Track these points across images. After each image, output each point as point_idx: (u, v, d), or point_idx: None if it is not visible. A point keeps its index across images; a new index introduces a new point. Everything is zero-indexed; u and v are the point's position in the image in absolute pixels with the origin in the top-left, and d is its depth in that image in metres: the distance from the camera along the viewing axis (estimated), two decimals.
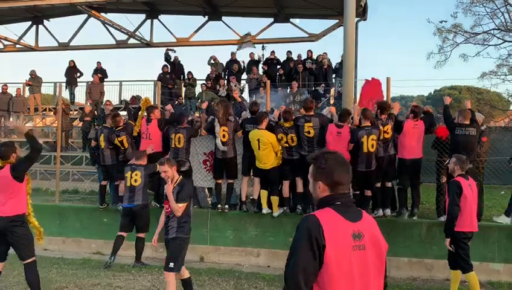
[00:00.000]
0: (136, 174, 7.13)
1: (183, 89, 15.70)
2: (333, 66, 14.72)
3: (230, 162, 7.71)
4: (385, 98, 7.89)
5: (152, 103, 9.36)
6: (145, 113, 8.31)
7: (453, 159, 5.79)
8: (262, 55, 15.60)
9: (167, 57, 15.73)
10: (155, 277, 6.75)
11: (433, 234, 7.15)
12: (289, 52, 15.09)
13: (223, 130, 7.54)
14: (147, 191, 7.40)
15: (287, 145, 7.48)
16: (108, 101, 13.34)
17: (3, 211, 4.97)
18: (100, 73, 16.18)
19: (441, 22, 20.61)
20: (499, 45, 19.56)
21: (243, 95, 14.07)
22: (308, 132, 7.40)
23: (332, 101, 13.81)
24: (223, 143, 7.55)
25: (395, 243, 7.25)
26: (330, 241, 1.98)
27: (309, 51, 14.87)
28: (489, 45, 19.75)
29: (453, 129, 7.09)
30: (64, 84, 16.19)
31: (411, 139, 7.40)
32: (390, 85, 7.76)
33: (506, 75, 20.80)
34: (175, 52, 15.62)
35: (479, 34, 19.22)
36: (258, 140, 7.32)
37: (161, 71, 15.60)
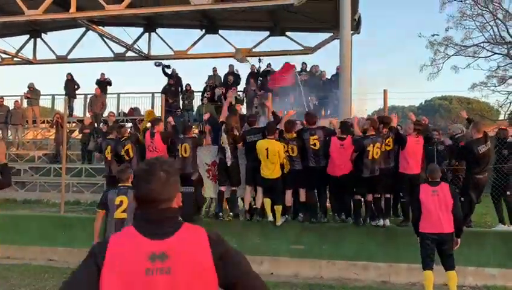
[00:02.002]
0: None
1: (181, 101, 15.90)
2: (328, 78, 15.07)
3: (232, 169, 7.97)
4: (383, 110, 8.18)
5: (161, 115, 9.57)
6: (148, 125, 8.54)
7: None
8: (259, 67, 15.88)
9: (163, 68, 15.95)
10: None
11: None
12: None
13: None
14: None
15: (288, 154, 7.73)
16: (111, 112, 13.53)
17: None
18: (104, 84, 16.38)
19: (432, 35, 21.19)
20: (488, 57, 20.20)
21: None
22: (314, 145, 7.67)
23: (328, 112, 14.14)
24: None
25: (395, 250, 7.50)
26: (111, 262, 1.66)
27: (303, 63, 15.19)
28: (480, 57, 20.36)
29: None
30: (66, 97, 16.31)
31: (414, 155, 7.58)
32: (388, 97, 8.06)
33: (495, 86, 21.38)
34: (169, 67, 15.82)
35: (469, 46, 19.83)
36: (267, 149, 7.56)
37: (165, 83, 15.81)
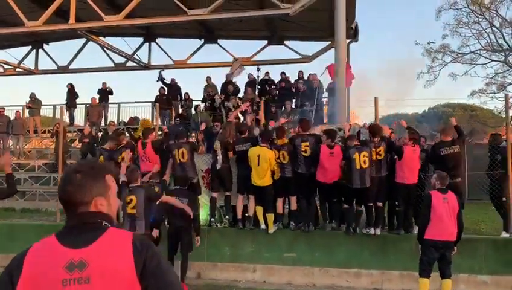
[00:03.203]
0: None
1: (180, 110, 16.03)
2: (325, 86, 15.14)
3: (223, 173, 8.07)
4: (374, 118, 8.22)
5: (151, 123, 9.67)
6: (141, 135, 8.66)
7: (434, 175, 6.40)
8: (258, 76, 15.99)
9: (162, 79, 16.10)
10: None
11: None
12: (283, 73, 15.50)
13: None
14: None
15: (279, 161, 7.77)
16: (112, 122, 13.64)
17: None
18: (106, 93, 16.58)
19: (429, 43, 21.25)
20: (486, 64, 20.22)
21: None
22: (305, 151, 7.71)
23: (325, 120, 14.17)
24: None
25: (387, 257, 7.51)
26: (27, 277, 1.57)
27: (300, 72, 15.29)
28: (477, 64, 20.39)
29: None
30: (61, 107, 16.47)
31: (411, 165, 7.58)
32: (378, 105, 8.10)
33: (494, 93, 21.37)
34: (163, 70, 16.00)
35: (466, 54, 19.84)
36: (259, 156, 7.63)
37: (158, 93, 15.97)
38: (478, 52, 19.79)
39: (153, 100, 16.71)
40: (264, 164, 7.61)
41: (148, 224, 6.43)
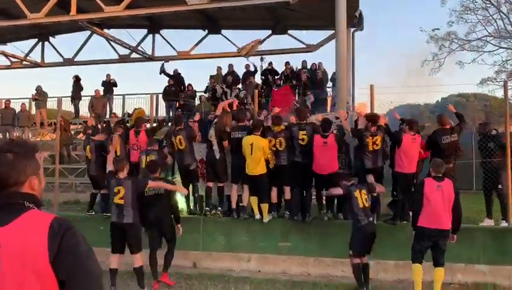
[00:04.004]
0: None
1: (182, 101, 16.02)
2: (329, 76, 15.00)
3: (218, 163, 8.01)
4: (369, 106, 8.07)
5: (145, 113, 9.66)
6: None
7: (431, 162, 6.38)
8: (261, 66, 15.87)
9: (164, 71, 16.11)
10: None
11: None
12: (287, 62, 15.38)
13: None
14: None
15: (274, 149, 7.69)
16: (113, 113, 13.69)
17: None
18: (110, 85, 16.65)
19: (433, 29, 20.79)
20: (493, 51, 19.70)
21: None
22: (302, 140, 7.63)
23: (329, 110, 14.05)
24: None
25: (382, 246, 7.39)
26: None
27: (304, 61, 15.16)
28: (484, 52, 19.88)
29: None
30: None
31: (409, 154, 7.45)
32: (375, 92, 7.94)
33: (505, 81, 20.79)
34: (167, 61, 16.02)
35: (473, 41, 19.35)
36: (252, 144, 7.56)
37: (167, 84, 16.00)
38: (485, 38, 19.31)
39: (157, 92, 16.76)
40: (257, 152, 7.54)
41: (137, 214, 6.39)
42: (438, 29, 20.81)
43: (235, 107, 9.68)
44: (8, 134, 15.63)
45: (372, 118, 7.58)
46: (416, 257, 6.12)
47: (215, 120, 8.16)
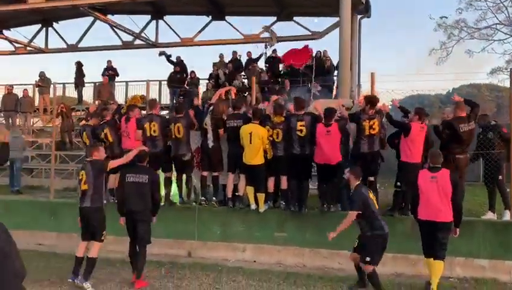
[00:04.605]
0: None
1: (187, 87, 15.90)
2: (336, 63, 14.71)
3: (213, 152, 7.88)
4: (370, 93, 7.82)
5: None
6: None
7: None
8: (265, 53, 15.64)
9: (168, 58, 15.97)
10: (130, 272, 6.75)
11: (418, 229, 7.06)
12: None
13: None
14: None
15: (271, 139, 7.50)
16: (112, 101, 13.61)
17: None
18: (112, 71, 16.58)
19: (441, 17, 20.26)
20: (504, 39, 19.11)
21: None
22: (301, 131, 7.40)
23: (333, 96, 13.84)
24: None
25: None
26: None
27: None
28: (495, 40, 19.31)
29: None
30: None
31: (417, 143, 7.20)
32: (375, 80, 7.70)
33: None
34: (170, 56, 15.91)
35: (482, 29, 18.78)
36: (251, 133, 7.39)
37: (172, 71, 15.87)
38: (495, 26, 18.76)
39: (160, 78, 16.71)
40: (256, 141, 7.37)
41: (98, 198, 6.16)
42: (446, 17, 20.32)
43: (234, 96, 9.52)
44: (10, 120, 15.64)
45: (370, 100, 7.31)
46: (424, 249, 6.05)
47: (211, 108, 7.97)
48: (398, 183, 7.43)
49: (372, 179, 7.37)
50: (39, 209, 8.94)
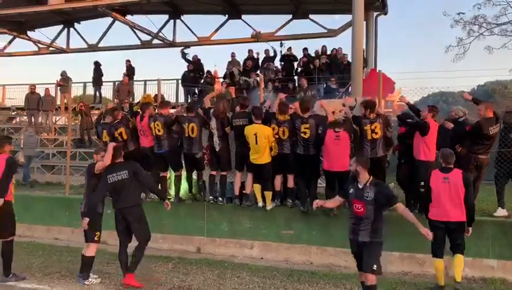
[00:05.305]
0: None
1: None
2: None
3: (221, 153, 7.98)
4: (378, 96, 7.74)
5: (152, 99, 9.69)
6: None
7: (439, 153, 6.15)
8: (280, 51, 15.65)
9: (184, 56, 16.16)
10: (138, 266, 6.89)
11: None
12: (305, 49, 15.10)
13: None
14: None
15: (277, 137, 7.54)
16: (127, 99, 13.87)
17: None
18: (128, 71, 16.92)
19: (458, 13, 19.78)
20: None
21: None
22: (304, 133, 7.42)
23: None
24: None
25: (387, 238, 7.14)
26: None
27: (323, 46, 14.84)
28: None
29: None
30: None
31: (434, 141, 7.13)
32: (381, 80, 7.64)
33: None
34: (189, 47, 16.08)
35: (502, 24, 18.27)
36: (256, 134, 7.45)
37: (186, 69, 16.06)
38: None
39: (178, 77, 16.88)
40: (262, 141, 7.43)
41: (88, 202, 6.10)
42: (463, 13, 19.84)
43: (234, 95, 9.52)
44: (33, 118, 16.13)
45: (367, 104, 7.21)
46: (433, 250, 6.01)
47: (212, 110, 8.04)
48: (422, 183, 7.22)
49: None
50: (56, 205, 9.23)
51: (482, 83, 49.37)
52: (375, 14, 15.51)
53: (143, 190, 6.77)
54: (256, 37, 15.66)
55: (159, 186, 8.41)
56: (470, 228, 5.95)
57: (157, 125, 8.05)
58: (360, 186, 5.00)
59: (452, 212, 5.81)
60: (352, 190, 5.09)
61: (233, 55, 15.80)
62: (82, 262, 6.18)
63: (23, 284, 6.09)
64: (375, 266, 4.90)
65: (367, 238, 4.95)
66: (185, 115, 8.40)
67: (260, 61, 15.24)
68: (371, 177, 5.04)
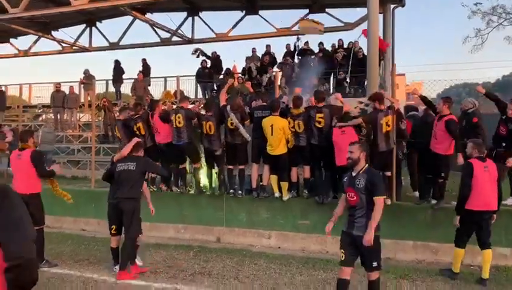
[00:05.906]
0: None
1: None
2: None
3: (238, 148, 8.23)
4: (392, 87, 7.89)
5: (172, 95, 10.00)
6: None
7: (470, 143, 6.15)
8: (297, 45, 15.81)
9: (200, 55, 16.47)
10: (162, 254, 7.31)
11: (438, 217, 7.18)
12: (321, 43, 15.23)
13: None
14: None
15: (293, 130, 7.78)
16: (148, 96, 14.28)
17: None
18: (144, 69, 17.39)
19: (475, 4, 19.52)
20: None
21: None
22: (319, 122, 7.65)
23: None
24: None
25: (401, 227, 7.36)
26: None
27: (339, 40, 14.93)
28: None
29: None
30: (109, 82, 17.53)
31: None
32: (395, 71, 7.77)
33: None
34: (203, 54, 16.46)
35: None
36: (272, 126, 7.71)
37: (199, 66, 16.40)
38: None
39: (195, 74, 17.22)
40: (278, 132, 7.67)
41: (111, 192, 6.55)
42: (481, 3, 19.58)
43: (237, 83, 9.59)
44: (58, 115, 16.72)
45: (374, 97, 7.34)
46: (462, 240, 6.07)
47: (228, 106, 8.27)
48: (443, 174, 7.34)
49: (389, 174, 7.47)
50: (82, 198, 9.67)
51: (507, 73, 48.13)
52: (392, 6, 15.49)
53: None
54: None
55: (179, 180, 8.80)
56: (495, 215, 6.07)
57: (179, 117, 8.36)
58: (354, 174, 4.71)
59: (494, 200, 5.90)
60: (346, 178, 4.84)
61: (254, 50, 16.04)
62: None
63: (55, 269, 6.54)
64: (375, 263, 4.62)
65: (362, 232, 4.57)
66: (203, 113, 8.67)
67: (282, 55, 15.42)
68: (366, 165, 4.72)
